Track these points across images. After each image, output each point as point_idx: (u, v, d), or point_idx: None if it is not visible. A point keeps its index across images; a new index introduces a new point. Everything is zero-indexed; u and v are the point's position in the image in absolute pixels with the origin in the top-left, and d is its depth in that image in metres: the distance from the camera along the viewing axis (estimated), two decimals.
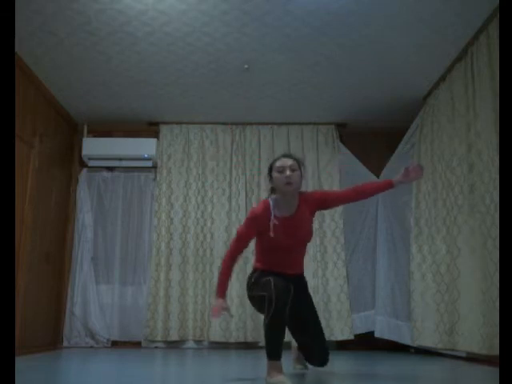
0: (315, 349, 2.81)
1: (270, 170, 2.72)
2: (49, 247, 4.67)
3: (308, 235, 2.76)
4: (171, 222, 5.06)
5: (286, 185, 2.61)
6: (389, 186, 2.80)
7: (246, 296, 2.85)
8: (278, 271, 2.67)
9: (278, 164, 2.66)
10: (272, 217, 2.61)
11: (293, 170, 2.63)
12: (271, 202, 2.65)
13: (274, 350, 2.39)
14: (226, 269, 2.68)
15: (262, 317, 4.97)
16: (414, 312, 4.19)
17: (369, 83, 4.45)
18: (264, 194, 5.06)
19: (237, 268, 4.90)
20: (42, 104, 4.50)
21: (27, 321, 4.16)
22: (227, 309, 2.66)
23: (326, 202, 2.81)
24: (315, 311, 2.88)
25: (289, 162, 2.65)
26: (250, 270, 4.93)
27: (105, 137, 5.21)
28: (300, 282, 2.87)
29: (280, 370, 2.36)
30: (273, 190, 2.75)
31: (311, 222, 2.77)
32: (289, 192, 2.64)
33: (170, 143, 5.27)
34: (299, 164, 2.71)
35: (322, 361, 2.82)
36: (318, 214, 4.95)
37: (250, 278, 2.78)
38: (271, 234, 2.60)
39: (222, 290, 2.67)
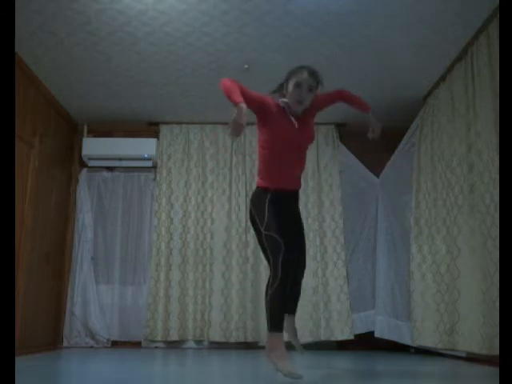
0: (300, 259, 2.85)
1: (288, 77, 2.66)
2: (49, 247, 4.67)
3: (310, 137, 2.80)
4: (171, 222, 5.06)
5: (297, 102, 2.62)
6: (367, 110, 2.92)
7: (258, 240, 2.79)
8: (279, 188, 2.69)
9: (298, 78, 2.61)
10: (283, 108, 2.65)
11: (310, 90, 2.61)
12: (280, 102, 2.67)
13: (277, 321, 2.47)
14: (229, 82, 2.58)
15: (261, 317, 4.99)
16: (413, 312, 4.19)
17: (369, 83, 4.45)
18: None
19: (236, 269, 4.90)
20: (42, 104, 4.50)
21: (27, 321, 4.16)
22: (245, 118, 2.39)
23: (321, 105, 2.87)
24: (302, 223, 2.93)
25: (310, 81, 2.60)
26: (249, 274, 4.93)
27: (105, 137, 5.21)
28: (296, 197, 2.90)
29: (283, 346, 2.43)
30: (279, 90, 2.72)
31: (313, 124, 2.83)
32: (296, 109, 2.65)
33: (170, 143, 5.27)
34: (318, 83, 2.67)
35: (301, 270, 2.86)
36: (318, 214, 5.02)
37: (254, 197, 2.75)
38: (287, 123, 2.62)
39: (236, 94, 2.47)
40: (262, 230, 2.62)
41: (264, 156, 2.76)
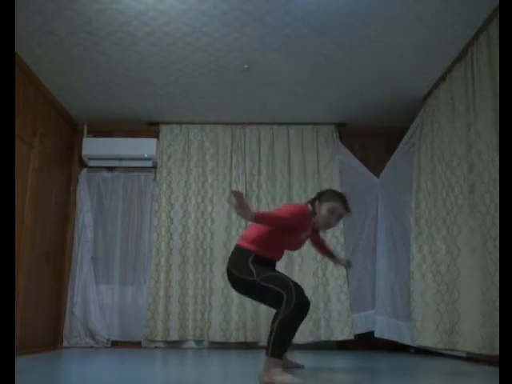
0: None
1: (325, 199, 2.88)
2: (49, 247, 4.67)
3: (306, 239, 3.05)
4: (171, 222, 5.06)
5: (326, 226, 2.91)
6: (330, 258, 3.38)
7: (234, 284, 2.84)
8: (270, 257, 2.86)
9: (334, 205, 2.84)
10: (311, 224, 2.90)
11: (339, 219, 2.90)
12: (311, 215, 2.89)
13: (282, 349, 2.49)
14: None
15: (261, 317, 4.98)
16: (413, 312, 4.19)
17: (369, 83, 4.45)
18: (263, 194, 5.07)
19: None
20: (42, 104, 4.50)
21: (27, 321, 4.16)
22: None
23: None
24: None
25: (342, 210, 2.88)
26: None
27: (105, 137, 5.21)
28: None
29: (282, 369, 2.44)
30: (313, 202, 2.94)
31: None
32: (323, 230, 3.08)
33: (170, 143, 5.27)
34: (347, 212, 2.93)
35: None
36: None
37: (234, 259, 2.79)
38: (305, 234, 2.91)
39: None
40: (255, 279, 2.65)
41: (267, 234, 2.80)
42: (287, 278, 2.64)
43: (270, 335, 2.49)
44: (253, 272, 2.67)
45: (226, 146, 5.26)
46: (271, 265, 2.88)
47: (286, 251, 3.04)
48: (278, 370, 2.42)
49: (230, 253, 2.90)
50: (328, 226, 2.89)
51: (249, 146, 5.26)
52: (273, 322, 2.52)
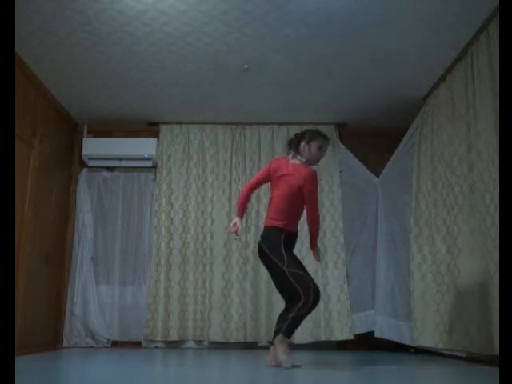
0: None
1: (310, 138, 3.22)
2: (49, 247, 4.67)
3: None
4: (171, 222, 5.06)
5: (316, 161, 3.28)
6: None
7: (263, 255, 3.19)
8: (293, 230, 3.20)
9: (321, 142, 3.24)
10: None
11: (324, 152, 3.31)
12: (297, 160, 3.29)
13: (293, 332, 3.01)
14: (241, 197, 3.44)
15: (262, 317, 4.98)
16: (414, 312, 4.19)
17: (369, 83, 4.45)
18: (263, 194, 5.05)
19: (236, 269, 4.91)
20: (42, 104, 4.50)
21: (27, 321, 4.16)
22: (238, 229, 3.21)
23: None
24: None
25: (327, 145, 3.31)
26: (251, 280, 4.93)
27: (105, 137, 5.21)
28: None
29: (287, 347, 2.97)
30: (293, 145, 3.29)
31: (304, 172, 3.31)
32: (314, 165, 3.26)
33: (170, 143, 5.27)
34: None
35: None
36: None
37: (277, 239, 3.09)
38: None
39: (238, 211, 3.35)
40: (283, 268, 3.03)
41: (280, 200, 3.22)
42: (310, 278, 3.06)
43: (283, 322, 2.96)
44: (284, 260, 3.03)
45: (226, 146, 5.26)
46: (294, 241, 3.26)
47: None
48: (284, 346, 2.92)
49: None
50: (318, 160, 3.28)
51: (249, 146, 5.26)
52: (286, 312, 3.01)
